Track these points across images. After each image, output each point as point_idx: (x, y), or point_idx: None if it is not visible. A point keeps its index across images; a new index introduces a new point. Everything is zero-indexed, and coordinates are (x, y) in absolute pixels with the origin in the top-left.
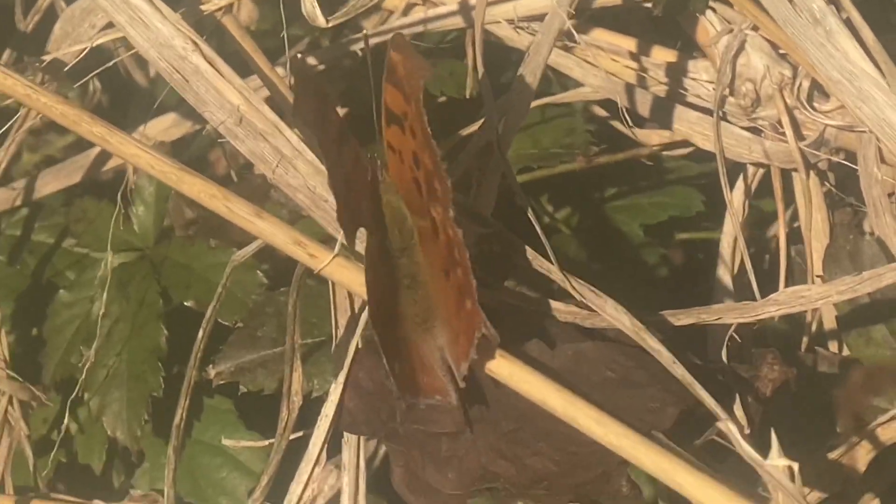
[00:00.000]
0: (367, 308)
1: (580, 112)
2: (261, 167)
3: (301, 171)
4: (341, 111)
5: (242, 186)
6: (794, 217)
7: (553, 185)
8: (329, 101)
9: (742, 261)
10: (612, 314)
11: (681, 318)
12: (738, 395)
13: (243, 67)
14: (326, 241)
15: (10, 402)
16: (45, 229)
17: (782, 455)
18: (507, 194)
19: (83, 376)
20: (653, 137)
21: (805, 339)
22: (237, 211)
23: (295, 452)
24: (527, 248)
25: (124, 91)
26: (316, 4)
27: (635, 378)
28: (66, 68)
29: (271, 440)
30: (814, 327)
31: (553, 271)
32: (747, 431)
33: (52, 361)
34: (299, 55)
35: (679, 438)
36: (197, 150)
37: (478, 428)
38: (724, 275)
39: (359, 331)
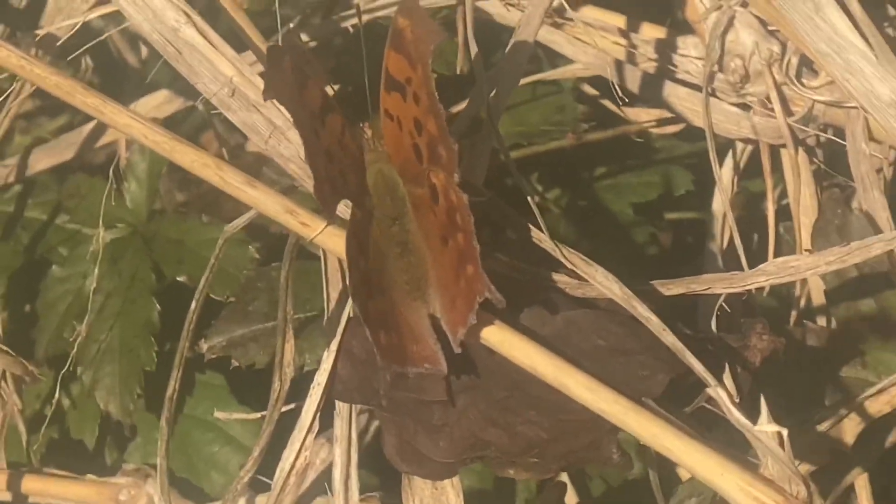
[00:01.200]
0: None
1: (570, 90)
2: (253, 138)
3: (293, 141)
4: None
5: (234, 164)
6: (782, 196)
7: (542, 165)
8: (310, 73)
9: (731, 238)
10: (603, 282)
11: (671, 288)
12: (727, 365)
13: (236, 44)
14: (319, 211)
15: (3, 376)
16: (37, 206)
17: (771, 421)
18: (496, 172)
19: (75, 351)
20: (642, 115)
21: (794, 314)
22: (230, 180)
23: (286, 428)
24: (518, 217)
25: (116, 71)
26: None
27: (626, 346)
28: (58, 43)
29: (263, 413)
30: (802, 302)
31: (544, 240)
32: (737, 400)
33: (45, 337)
34: (290, 31)
35: (669, 406)
36: (188, 131)
37: (469, 396)
38: (714, 250)
39: (351, 300)
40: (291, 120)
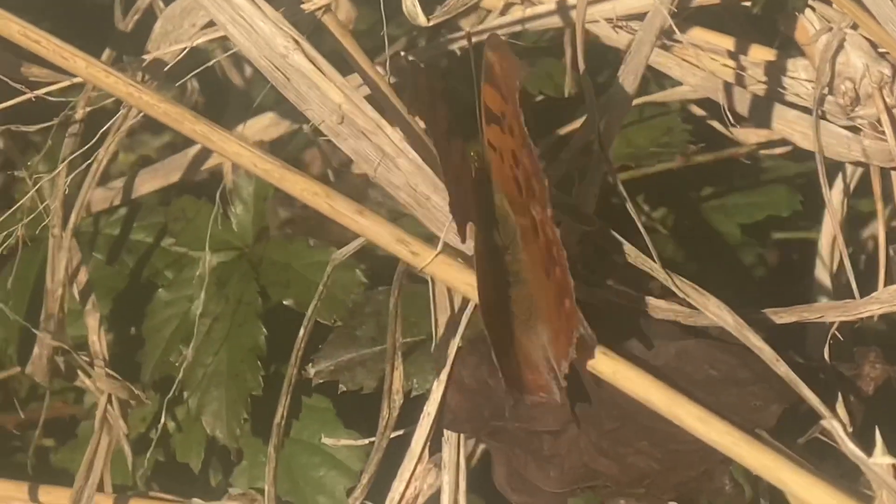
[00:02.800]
0: (477, 305)
1: (678, 111)
2: (363, 166)
3: (403, 169)
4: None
5: (341, 185)
6: (893, 216)
7: (650, 185)
8: (439, 95)
9: (840, 260)
10: (715, 312)
11: (783, 317)
12: (839, 394)
13: (342, 66)
14: (428, 239)
15: (109, 400)
16: (143, 228)
17: (887, 453)
18: (606, 194)
19: (181, 375)
20: (750, 136)
21: None
22: (339, 209)
23: (393, 451)
24: (630, 246)
25: (220, 91)
26: (417, 3)
27: (738, 376)
28: (166, 68)
29: (371, 439)
30: None
31: (655, 269)
32: (850, 430)
33: (151, 360)
34: (402, 54)
35: (782, 436)
36: (293, 150)
37: (580, 426)
38: (823, 274)
39: (461, 329)
40: (430, 137)
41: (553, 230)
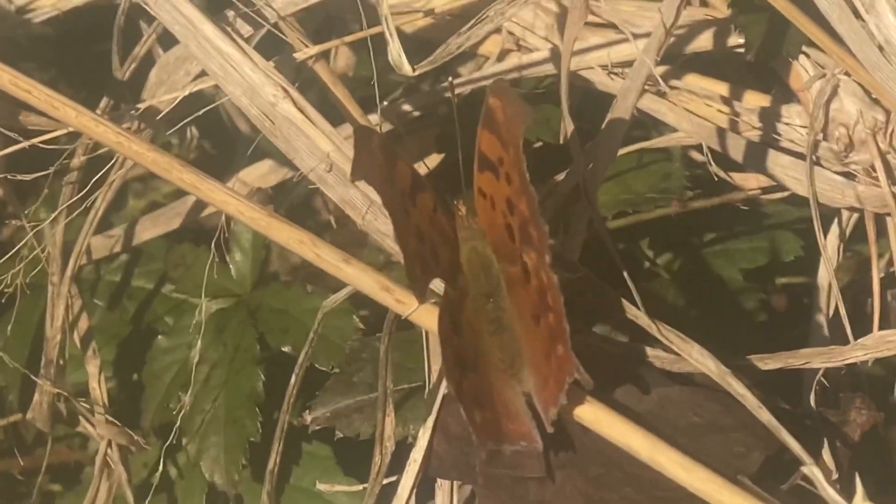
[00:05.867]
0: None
1: (679, 157)
2: (351, 214)
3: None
4: (436, 158)
5: (341, 232)
6: (891, 262)
7: (653, 230)
8: (397, 154)
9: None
10: (698, 359)
11: (768, 363)
12: (826, 440)
13: (336, 116)
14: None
15: (109, 446)
16: (144, 275)
17: (867, 499)
18: (601, 241)
19: (180, 422)
20: (751, 181)
21: None
22: (325, 257)
23: (391, 498)
24: (614, 293)
25: (228, 138)
26: (402, 53)
27: (721, 423)
28: (159, 116)
29: (366, 485)
30: None
31: (640, 316)
32: (835, 476)
33: (151, 406)
34: (394, 100)
35: (765, 484)
36: (300, 197)
37: (565, 473)
38: (821, 319)
39: (447, 377)
40: (382, 200)
41: (549, 276)
